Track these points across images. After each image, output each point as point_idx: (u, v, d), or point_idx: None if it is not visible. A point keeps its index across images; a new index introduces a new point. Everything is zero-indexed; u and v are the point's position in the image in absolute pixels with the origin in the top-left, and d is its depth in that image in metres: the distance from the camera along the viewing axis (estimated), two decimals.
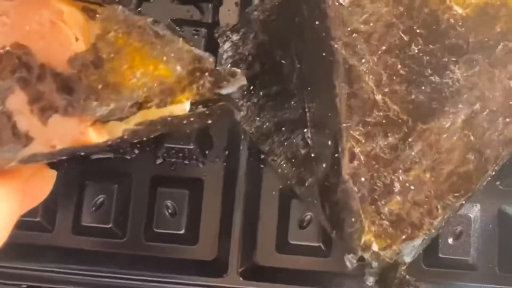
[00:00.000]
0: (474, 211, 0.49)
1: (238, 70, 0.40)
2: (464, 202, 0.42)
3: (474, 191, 0.42)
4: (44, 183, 0.42)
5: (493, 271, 0.49)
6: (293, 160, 0.47)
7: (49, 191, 0.41)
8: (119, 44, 0.39)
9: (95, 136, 0.39)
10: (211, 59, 0.39)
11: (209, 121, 0.40)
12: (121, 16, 0.39)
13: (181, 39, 0.40)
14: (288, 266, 0.49)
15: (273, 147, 0.48)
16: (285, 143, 0.48)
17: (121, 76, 0.39)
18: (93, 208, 0.49)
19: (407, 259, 0.42)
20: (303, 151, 0.47)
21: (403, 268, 0.42)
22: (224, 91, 0.40)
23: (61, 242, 0.50)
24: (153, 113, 0.40)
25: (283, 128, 0.47)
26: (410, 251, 0.42)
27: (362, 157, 0.42)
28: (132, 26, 0.39)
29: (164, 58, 0.39)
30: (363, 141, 0.42)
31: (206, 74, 0.39)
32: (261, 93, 0.48)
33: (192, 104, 0.40)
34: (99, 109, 0.39)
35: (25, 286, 0.48)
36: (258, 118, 0.48)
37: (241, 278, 0.47)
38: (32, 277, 0.48)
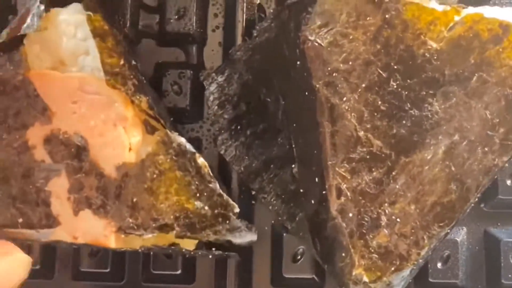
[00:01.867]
0: (460, 234, 0.50)
1: (254, 227, 0.46)
2: (448, 231, 0.44)
3: (458, 219, 0.44)
4: (15, 266, 0.38)
5: None
6: (283, 196, 0.49)
7: (23, 277, 0.38)
8: (164, 168, 0.42)
9: (114, 243, 0.43)
10: (236, 210, 0.44)
11: (210, 256, 0.46)
12: (175, 143, 0.43)
13: (217, 182, 0.44)
14: None
15: (263, 184, 0.49)
16: (274, 180, 0.49)
17: (156, 197, 0.43)
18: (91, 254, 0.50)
19: None
20: (292, 187, 0.48)
21: None
22: (236, 240, 0.45)
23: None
24: (168, 239, 0.44)
25: (272, 166, 0.49)
26: (399, 281, 0.43)
27: (348, 193, 0.43)
28: (181, 155, 0.43)
29: (198, 195, 0.43)
30: (348, 177, 0.43)
31: (227, 222, 0.43)
32: (248, 132, 0.49)
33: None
34: (128, 220, 0.42)
35: None
36: (246, 157, 0.49)
37: None
38: None
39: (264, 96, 0.49)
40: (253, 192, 0.50)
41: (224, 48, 0.53)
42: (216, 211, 0.44)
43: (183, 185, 0.43)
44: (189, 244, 0.45)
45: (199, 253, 0.45)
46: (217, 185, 0.44)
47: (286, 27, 0.47)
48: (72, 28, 0.44)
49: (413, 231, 0.43)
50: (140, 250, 0.44)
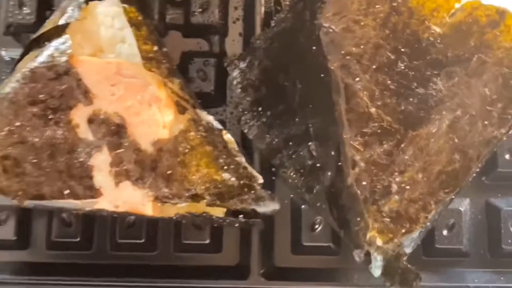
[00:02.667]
0: (464, 204, 0.54)
1: (276, 197, 0.49)
2: (453, 196, 0.48)
3: (461, 186, 0.48)
4: None
5: (484, 257, 0.54)
6: (301, 171, 0.52)
7: None
8: (195, 143, 0.47)
9: (151, 210, 0.47)
10: (260, 180, 0.48)
11: (236, 225, 0.50)
12: (204, 121, 0.48)
13: (243, 156, 0.48)
14: (303, 266, 0.54)
15: (283, 160, 0.53)
16: (293, 156, 0.52)
17: (188, 170, 0.47)
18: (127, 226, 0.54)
19: (408, 250, 0.47)
20: (309, 162, 0.52)
21: (404, 258, 0.47)
22: (260, 209, 0.49)
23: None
24: (200, 207, 0.48)
25: (291, 143, 0.52)
26: (409, 242, 0.47)
27: (362, 164, 0.47)
28: (210, 132, 0.48)
29: (225, 167, 0.48)
30: (362, 149, 0.47)
31: (252, 191, 0.48)
32: (268, 113, 0.53)
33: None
34: (163, 190, 0.47)
35: None
36: (267, 136, 0.53)
37: (262, 279, 0.52)
38: None
39: (282, 80, 0.53)
40: (273, 169, 0.54)
41: (244, 38, 0.58)
42: (242, 182, 0.48)
43: (212, 159, 0.48)
44: (218, 212, 0.49)
45: (228, 220, 0.49)
46: (243, 159, 0.48)
47: (301, 17, 0.52)
48: (110, 19, 0.49)
49: (421, 197, 0.47)
50: (174, 218, 0.48)
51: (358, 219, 0.47)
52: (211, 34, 0.58)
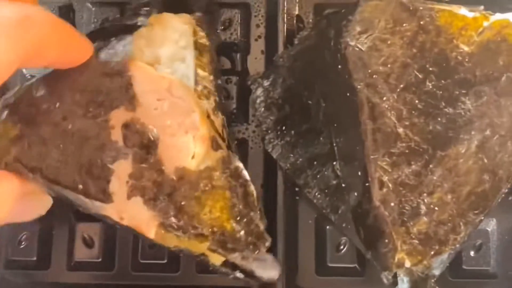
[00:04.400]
0: (491, 225, 0.54)
1: (279, 265, 0.49)
2: (483, 217, 0.47)
3: (491, 207, 0.47)
4: (38, 204, 0.46)
5: None
6: (326, 191, 0.52)
7: (41, 214, 0.46)
8: (217, 184, 0.46)
9: (153, 234, 0.46)
10: (268, 243, 0.47)
11: (231, 276, 0.48)
12: (233, 165, 0.46)
13: (259, 212, 0.47)
14: (328, 287, 0.54)
15: (308, 180, 0.52)
16: (318, 176, 0.52)
17: (201, 208, 0.46)
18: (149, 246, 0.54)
19: (436, 272, 0.47)
20: (334, 182, 0.51)
21: (432, 280, 0.47)
22: (258, 272, 0.48)
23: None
24: (201, 248, 0.47)
25: (315, 162, 0.52)
26: (439, 264, 0.47)
27: (390, 185, 0.47)
28: (235, 178, 0.47)
29: (238, 218, 0.46)
30: (389, 170, 0.47)
31: (257, 252, 0.47)
32: (292, 132, 0.53)
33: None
34: (171, 219, 0.46)
35: None
36: (291, 155, 0.53)
37: None
38: None
39: (306, 99, 0.53)
40: (297, 189, 0.54)
41: (266, 55, 0.57)
42: (249, 238, 0.46)
43: (228, 205, 0.46)
44: (216, 259, 0.48)
45: (223, 270, 0.48)
46: (258, 216, 0.47)
47: (325, 34, 0.51)
48: (177, 35, 0.49)
49: (450, 218, 0.46)
50: (172, 249, 0.47)
51: (386, 240, 0.46)
52: (233, 51, 0.58)
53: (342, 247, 0.53)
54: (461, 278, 0.53)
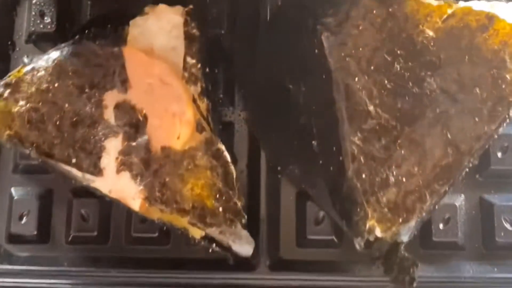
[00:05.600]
0: (459, 200, 0.56)
1: (253, 244, 0.52)
2: (447, 188, 0.50)
3: (455, 179, 0.51)
4: None
5: (479, 250, 0.56)
6: (305, 168, 0.55)
7: None
8: (199, 163, 0.50)
9: (138, 207, 0.50)
10: (244, 220, 0.51)
11: (210, 250, 0.52)
12: (215, 147, 0.50)
13: (237, 191, 0.51)
14: (308, 258, 0.57)
15: (288, 159, 0.56)
16: (298, 155, 0.55)
17: (184, 185, 0.50)
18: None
19: (405, 238, 0.50)
20: (313, 160, 0.55)
21: (402, 247, 0.50)
22: (234, 247, 0.52)
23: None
24: (182, 222, 0.51)
25: (295, 142, 0.55)
26: (406, 231, 0.50)
27: (362, 158, 0.51)
28: (217, 158, 0.50)
29: (217, 196, 0.50)
30: (361, 145, 0.51)
31: (233, 227, 0.50)
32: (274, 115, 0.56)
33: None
34: (156, 193, 0.50)
35: None
36: (274, 136, 0.56)
37: (270, 271, 0.55)
38: None
39: (288, 83, 0.56)
40: (279, 168, 0.57)
41: None
42: (227, 215, 0.50)
43: (208, 183, 0.50)
44: (196, 233, 0.51)
45: (202, 243, 0.51)
46: (236, 194, 0.51)
47: (303, 21, 0.55)
48: (170, 26, 0.53)
49: (417, 188, 0.50)
50: (156, 221, 0.51)
51: (358, 209, 0.50)
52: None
53: (320, 220, 0.56)
54: (431, 249, 0.56)
